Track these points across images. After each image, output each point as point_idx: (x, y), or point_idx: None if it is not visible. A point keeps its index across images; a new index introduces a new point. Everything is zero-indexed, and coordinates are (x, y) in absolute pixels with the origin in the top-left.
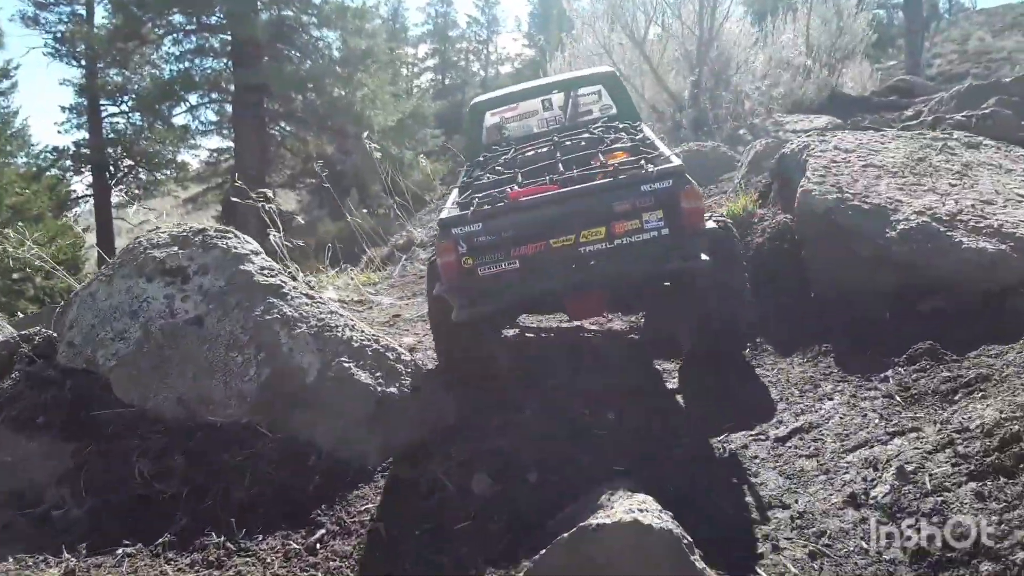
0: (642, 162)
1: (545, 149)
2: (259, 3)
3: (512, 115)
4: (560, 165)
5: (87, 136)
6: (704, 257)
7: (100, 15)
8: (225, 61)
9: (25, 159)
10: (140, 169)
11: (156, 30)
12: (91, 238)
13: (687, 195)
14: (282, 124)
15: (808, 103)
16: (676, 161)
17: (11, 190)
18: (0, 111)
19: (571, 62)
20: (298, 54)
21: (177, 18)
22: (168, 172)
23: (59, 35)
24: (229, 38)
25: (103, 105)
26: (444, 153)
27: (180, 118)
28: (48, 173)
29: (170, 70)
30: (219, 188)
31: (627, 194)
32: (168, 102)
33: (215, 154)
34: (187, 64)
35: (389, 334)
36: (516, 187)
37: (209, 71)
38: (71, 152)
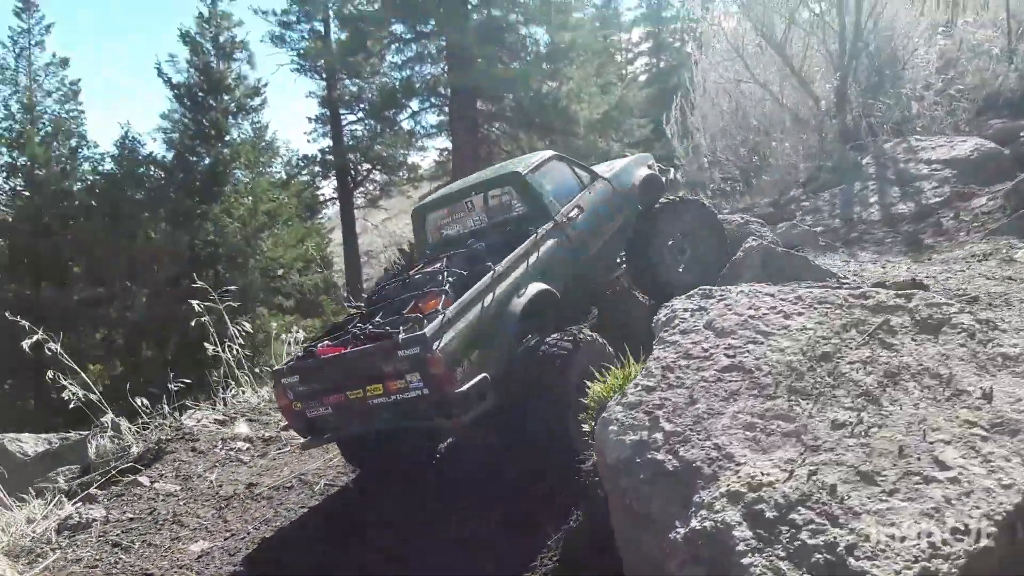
0: (400, 329)
1: (432, 269)
2: (469, 6)
3: (446, 219)
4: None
5: (331, 144)
6: (466, 415)
7: (334, 30)
8: (441, 66)
9: (278, 168)
10: (376, 172)
11: (381, 41)
12: (337, 237)
13: (431, 363)
14: (495, 124)
15: (1008, 95)
16: (430, 327)
17: (265, 198)
18: (252, 126)
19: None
20: (507, 53)
21: (398, 28)
22: (401, 174)
23: (301, 51)
24: (444, 43)
25: (343, 114)
26: (659, 140)
27: (407, 123)
28: (296, 180)
29: (395, 78)
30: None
31: (387, 358)
32: (393, 108)
33: (444, 153)
34: (408, 72)
35: None
36: (326, 343)
37: (428, 76)
38: (318, 159)
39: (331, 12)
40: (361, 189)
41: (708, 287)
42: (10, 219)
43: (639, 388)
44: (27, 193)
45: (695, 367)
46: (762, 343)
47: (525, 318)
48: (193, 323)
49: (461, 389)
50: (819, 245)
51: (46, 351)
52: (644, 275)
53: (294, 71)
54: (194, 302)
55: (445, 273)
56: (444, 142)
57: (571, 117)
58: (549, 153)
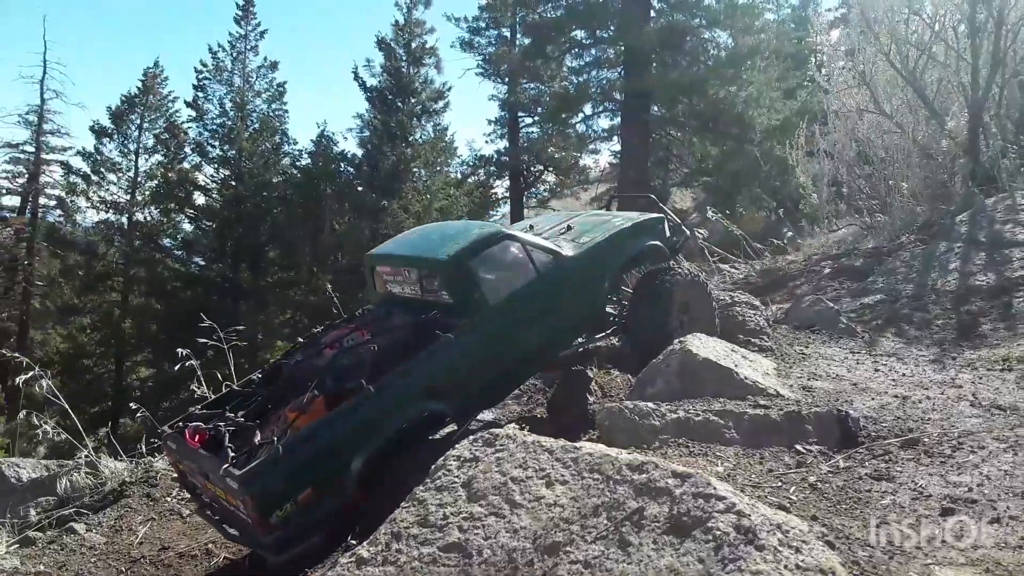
0: (228, 452)
1: (329, 350)
2: (652, 12)
3: (389, 276)
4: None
5: (507, 145)
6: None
7: (519, 36)
8: (618, 71)
9: (454, 168)
10: (548, 173)
11: (561, 46)
12: None
13: (245, 504)
14: (667, 129)
15: None
16: (250, 468)
17: (440, 195)
18: (434, 127)
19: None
20: (685, 59)
21: (578, 34)
22: (572, 176)
23: (487, 57)
24: (622, 48)
25: (520, 117)
26: None
27: (580, 126)
28: (471, 180)
29: (572, 82)
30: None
31: (225, 477)
32: (566, 112)
33: (616, 156)
34: (585, 76)
35: None
36: (198, 424)
37: (604, 82)
38: (494, 160)
39: (517, 19)
40: (532, 190)
41: (495, 431)
42: (218, 205)
43: (352, 561)
44: (233, 183)
45: (422, 539)
46: (504, 517)
47: (386, 447)
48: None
49: (271, 536)
50: (838, 327)
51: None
52: (645, 342)
53: (478, 75)
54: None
55: (334, 366)
56: (616, 146)
57: (747, 123)
58: (495, 231)
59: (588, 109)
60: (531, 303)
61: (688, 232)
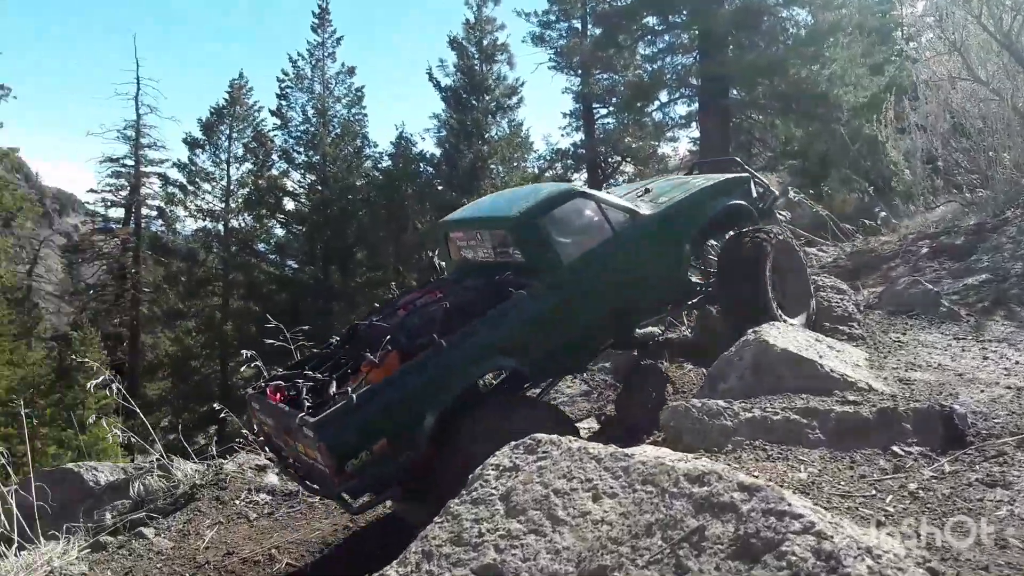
0: (306, 404)
1: (407, 309)
2: None
3: (463, 241)
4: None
5: (583, 137)
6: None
7: (590, 27)
8: (693, 56)
9: (531, 163)
10: (626, 163)
11: (633, 34)
12: None
13: (320, 451)
14: (747, 112)
15: None
16: (325, 415)
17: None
18: (509, 123)
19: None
20: (763, 40)
21: (649, 21)
22: (651, 165)
23: (559, 50)
24: (696, 32)
25: (595, 108)
26: None
27: (656, 114)
28: (548, 174)
29: (646, 70)
30: None
31: (301, 427)
32: (641, 101)
33: (695, 142)
34: (659, 63)
35: None
36: (279, 383)
37: (679, 67)
38: (570, 153)
39: (587, 10)
40: (611, 181)
41: (537, 436)
42: (307, 210)
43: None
44: (320, 187)
45: (455, 559)
46: (545, 535)
47: (457, 402)
48: None
49: (346, 485)
50: (939, 311)
51: None
52: (738, 312)
53: (551, 68)
54: None
55: (405, 324)
56: (695, 132)
57: (833, 102)
58: (571, 190)
59: (664, 96)
60: (607, 263)
61: (777, 194)
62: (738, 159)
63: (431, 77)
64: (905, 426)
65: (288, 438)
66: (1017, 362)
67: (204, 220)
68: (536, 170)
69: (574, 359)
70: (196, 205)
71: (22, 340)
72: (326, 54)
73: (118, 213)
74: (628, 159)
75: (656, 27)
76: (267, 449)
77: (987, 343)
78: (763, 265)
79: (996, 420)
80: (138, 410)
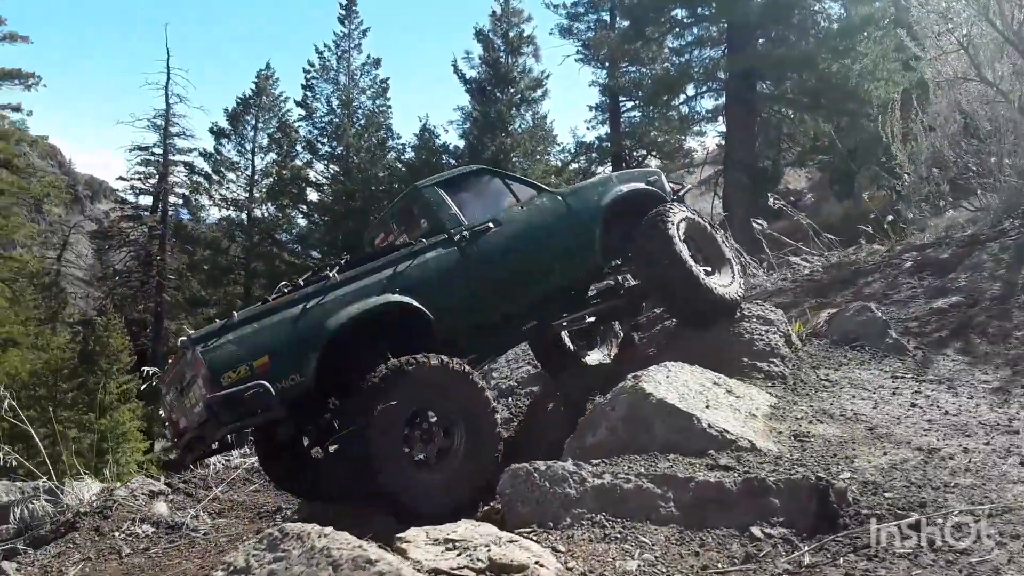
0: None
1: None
2: None
3: (380, 241)
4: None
5: (608, 131)
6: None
7: (619, 19)
8: (721, 49)
9: (554, 156)
10: (652, 157)
11: (662, 27)
12: None
13: (195, 364)
14: (775, 107)
15: None
16: (201, 330)
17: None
18: (533, 116)
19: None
20: (793, 33)
21: (678, 13)
22: (677, 159)
23: (586, 42)
24: (725, 25)
25: (621, 101)
26: None
27: (683, 108)
28: (573, 166)
29: (674, 63)
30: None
31: (183, 348)
32: (667, 95)
33: (723, 136)
34: (687, 56)
35: None
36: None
37: (707, 61)
38: (595, 146)
39: (615, 2)
40: None
41: (286, 529)
42: (329, 200)
43: None
44: (343, 178)
45: None
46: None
47: (347, 330)
48: None
49: (219, 394)
50: (884, 342)
51: None
52: (660, 281)
53: (578, 61)
54: None
55: (300, 281)
56: (722, 126)
57: (862, 97)
58: (473, 167)
59: (691, 90)
60: (510, 229)
61: (686, 187)
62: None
63: (456, 69)
64: (773, 501)
65: (181, 400)
66: (946, 412)
67: (228, 209)
68: (559, 163)
69: (491, 330)
70: (220, 194)
71: (47, 325)
72: (352, 45)
73: (147, 200)
74: (654, 153)
75: (685, 20)
76: (180, 443)
77: (925, 383)
78: (670, 230)
79: (887, 495)
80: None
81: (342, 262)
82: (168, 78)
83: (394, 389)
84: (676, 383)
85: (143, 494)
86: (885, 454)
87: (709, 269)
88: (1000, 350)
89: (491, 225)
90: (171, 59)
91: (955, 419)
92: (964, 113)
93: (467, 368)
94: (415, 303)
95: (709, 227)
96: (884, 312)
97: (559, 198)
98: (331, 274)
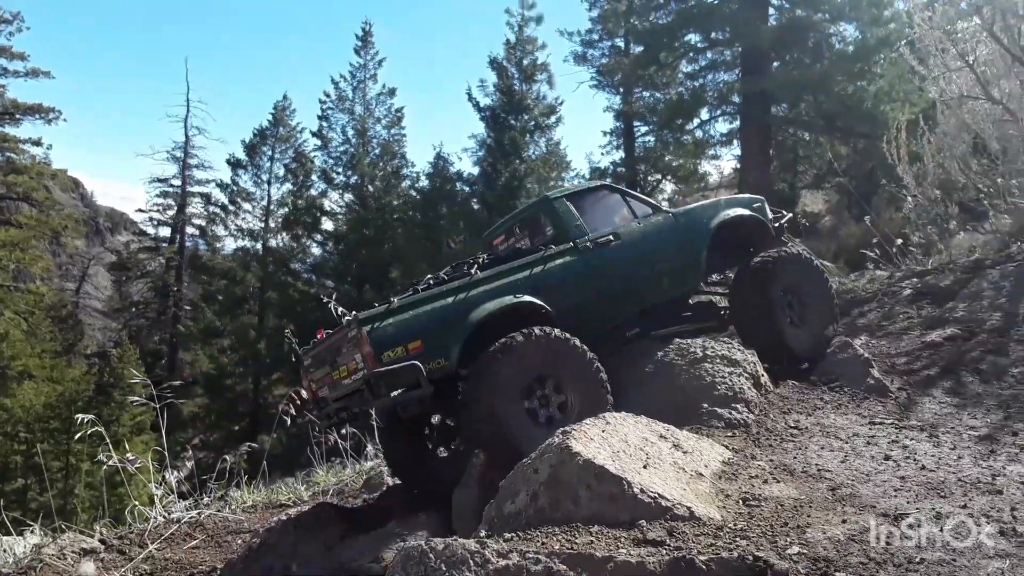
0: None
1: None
2: (769, 9)
3: (502, 243)
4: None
5: (623, 156)
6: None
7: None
8: (735, 72)
9: (570, 180)
10: (666, 182)
11: (675, 52)
12: None
13: (361, 341)
14: (790, 129)
15: None
16: (368, 312)
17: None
18: (547, 142)
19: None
20: (808, 56)
21: (692, 38)
22: (692, 183)
23: (601, 68)
24: (739, 50)
25: (636, 126)
26: None
27: (697, 132)
28: None
29: (688, 87)
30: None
31: (348, 325)
32: (680, 119)
33: (738, 160)
34: (701, 81)
35: None
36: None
37: (721, 84)
38: (609, 171)
39: (630, 27)
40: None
41: None
42: (344, 229)
43: None
44: (357, 207)
45: None
46: None
47: (485, 324)
48: None
49: (380, 369)
50: (865, 383)
51: None
52: (753, 322)
53: (592, 87)
54: None
55: (443, 275)
56: (738, 150)
57: (878, 119)
58: (597, 183)
59: (705, 114)
60: (626, 243)
61: (789, 214)
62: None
63: (471, 97)
64: None
65: (334, 370)
66: (923, 466)
67: (244, 239)
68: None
69: (597, 323)
70: (236, 224)
71: (63, 357)
72: (368, 76)
73: (165, 232)
74: (668, 177)
75: (699, 44)
76: (313, 413)
77: (906, 431)
78: (771, 281)
79: (838, 574)
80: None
81: (481, 260)
82: (188, 111)
83: (519, 355)
84: (613, 438)
85: (73, 552)
86: (844, 521)
87: (797, 319)
88: (993, 390)
89: (611, 238)
90: (191, 92)
91: (932, 475)
92: (973, 133)
93: (578, 341)
94: (543, 303)
95: (816, 267)
96: (874, 346)
97: (672, 217)
98: (474, 271)
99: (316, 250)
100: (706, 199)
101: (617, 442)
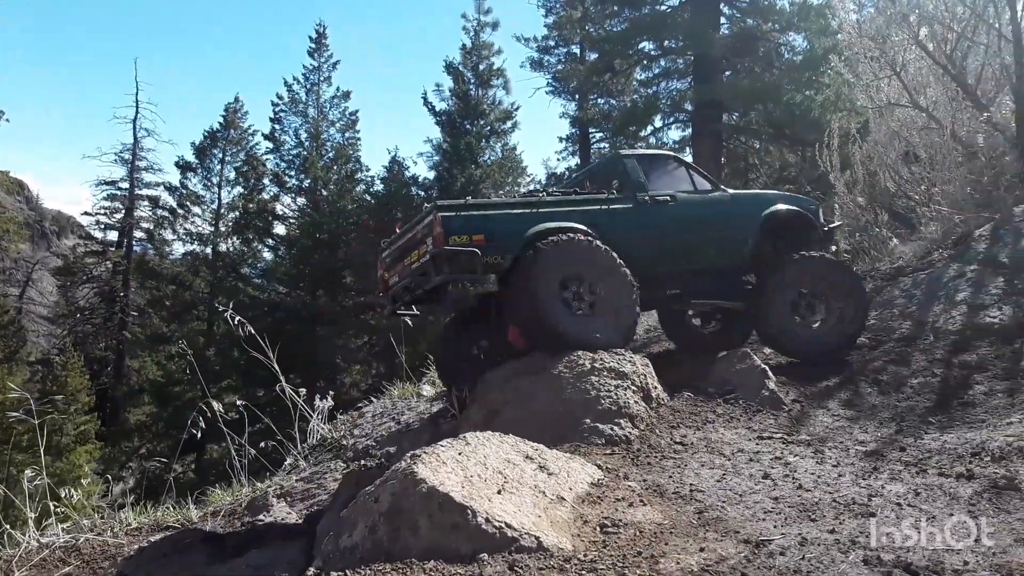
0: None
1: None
2: (721, 18)
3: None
4: None
5: (578, 162)
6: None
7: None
8: (688, 81)
9: (525, 186)
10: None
11: (630, 59)
12: None
13: (433, 223)
14: (740, 137)
15: None
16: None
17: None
18: (503, 147)
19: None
20: (758, 65)
21: (646, 46)
22: None
23: (557, 75)
24: (692, 58)
25: (591, 133)
26: None
27: (651, 139)
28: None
29: (642, 94)
30: None
31: (427, 210)
32: (633, 126)
33: None
34: (654, 88)
35: None
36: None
37: (674, 92)
38: (565, 177)
39: (586, 34)
40: None
41: None
42: (296, 234)
43: None
44: (310, 211)
45: None
46: None
47: (536, 238)
48: None
49: (447, 247)
50: (761, 395)
51: None
52: (765, 331)
53: (548, 93)
54: None
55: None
56: (689, 157)
57: (825, 128)
58: (667, 152)
59: (658, 121)
60: (681, 207)
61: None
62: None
63: (426, 102)
64: None
65: (406, 257)
66: (800, 485)
67: (193, 243)
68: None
69: (641, 283)
70: (185, 228)
71: (4, 364)
72: (322, 78)
73: (112, 236)
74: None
75: (652, 52)
76: (385, 295)
77: (793, 446)
78: (794, 279)
79: None
80: None
81: (552, 190)
82: (137, 112)
83: (555, 252)
84: (471, 461)
85: None
86: (702, 550)
87: (816, 320)
88: (890, 401)
89: (668, 199)
90: (140, 93)
91: (807, 496)
92: (904, 141)
93: (605, 248)
94: (587, 229)
95: (853, 274)
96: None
97: (729, 196)
98: (541, 195)
99: (268, 255)
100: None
101: (474, 465)
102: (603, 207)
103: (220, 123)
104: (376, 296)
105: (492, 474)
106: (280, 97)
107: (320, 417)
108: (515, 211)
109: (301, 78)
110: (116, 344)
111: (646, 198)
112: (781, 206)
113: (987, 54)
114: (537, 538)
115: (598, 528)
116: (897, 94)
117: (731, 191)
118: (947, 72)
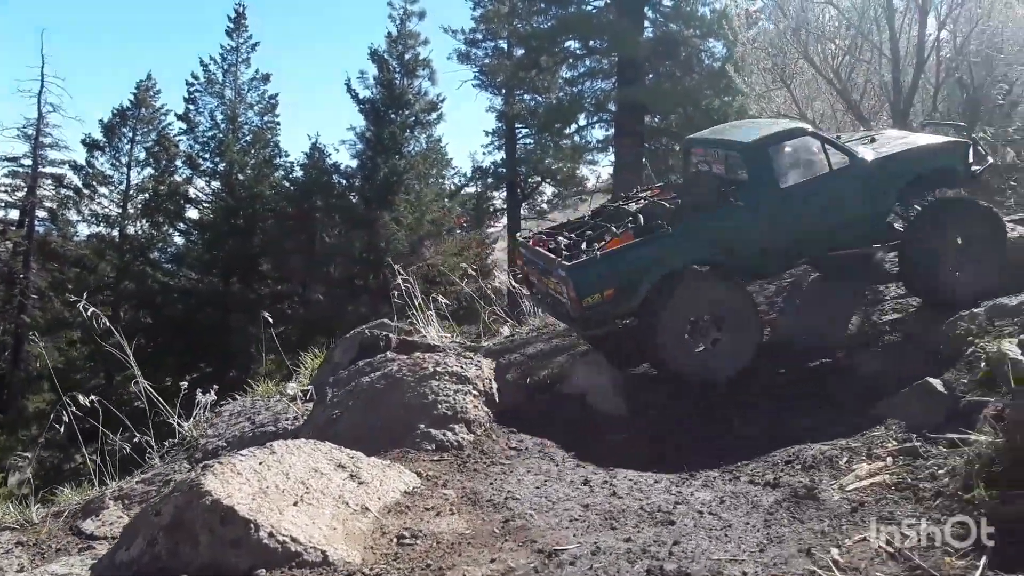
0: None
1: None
2: (644, 22)
3: (700, 158)
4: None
5: (504, 157)
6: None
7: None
8: (612, 81)
9: (448, 180)
10: (545, 184)
11: (556, 56)
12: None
13: (567, 286)
14: (662, 139)
15: None
16: (575, 263)
17: (432, 207)
18: (427, 139)
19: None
20: (679, 69)
21: (571, 45)
22: (570, 187)
23: (483, 68)
24: (616, 59)
25: (517, 128)
26: None
27: (575, 137)
28: (471, 190)
29: (568, 92)
30: None
31: (558, 268)
32: (558, 123)
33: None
34: (579, 87)
35: None
36: (543, 237)
37: (599, 92)
38: (491, 171)
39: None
40: (529, 201)
41: None
42: (210, 218)
43: None
44: (225, 196)
45: None
46: None
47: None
48: None
49: (579, 314)
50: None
51: None
52: (918, 275)
53: (475, 87)
54: None
55: (637, 216)
56: (612, 156)
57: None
58: (800, 127)
59: (582, 120)
60: (818, 195)
61: (991, 162)
62: (963, 124)
63: (350, 89)
64: None
65: (545, 278)
66: (615, 492)
67: (99, 225)
68: (453, 186)
69: (769, 267)
70: (91, 209)
71: None
72: (240, 59)
73: (14, 215)
74: (548, 180)
75: (577, 51)
76: (525, 285)
77: None
78: (946, 230)
79: None
80: None
81: (667, 205)
82: (42, 86)
83: (679, 299)
84: (271, 472)
85: None
86: (493, 560)
87: (959, 271)
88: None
89: (800, 191)
90: (46, 66)
91: (616, 503)
92: None
93: (738, 282)
94: (724, 260)
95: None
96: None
97: (866, 168)
98: (666, 227)
99: (179, 239)
100: (902, 136)
101: (273, 476)
102: (729, 224)
103: (131, 101)
104: (294, 286)
105: (293, 485)
106: (195, 77)
107: (202, 411)
108: (640, 252)
109: (218, 58)
110: (15, 328)
111: (778, 196)
112: (920, 170)
113: (868, 71)
114: (323, 552)
115: (395, 540)
116: (787, 105)
117: (871, 158)
118: (833, 86)
